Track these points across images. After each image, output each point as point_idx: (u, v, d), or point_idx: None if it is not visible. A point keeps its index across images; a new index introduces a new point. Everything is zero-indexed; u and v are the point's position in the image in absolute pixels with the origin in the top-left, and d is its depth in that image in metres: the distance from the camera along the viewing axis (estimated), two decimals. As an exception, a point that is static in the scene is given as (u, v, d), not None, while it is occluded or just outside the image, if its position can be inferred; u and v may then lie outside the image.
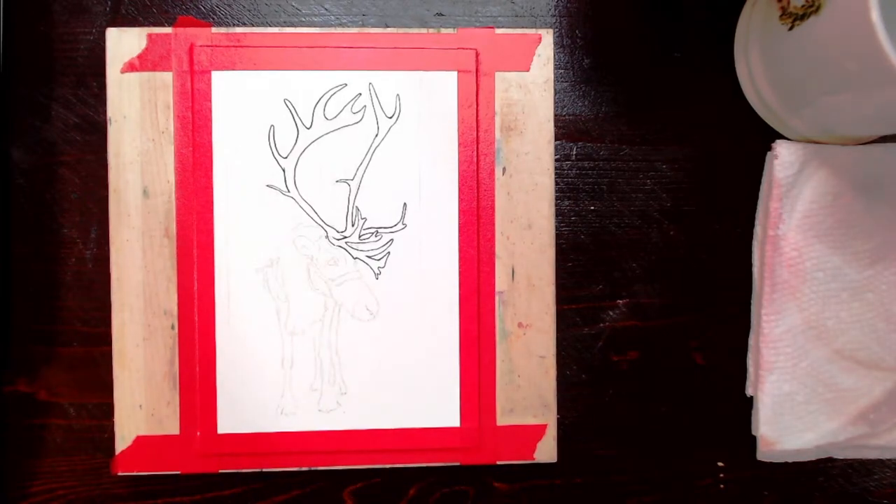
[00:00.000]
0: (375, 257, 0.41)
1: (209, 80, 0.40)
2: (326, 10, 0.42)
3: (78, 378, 0.42)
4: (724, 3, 0.43)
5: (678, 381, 0.44)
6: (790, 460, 0.43)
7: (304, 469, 0.41)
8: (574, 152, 0.43)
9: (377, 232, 0.41)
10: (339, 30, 0.41)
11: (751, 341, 0.43)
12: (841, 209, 0.42)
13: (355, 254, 0.41)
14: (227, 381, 0.40)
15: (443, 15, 0.43)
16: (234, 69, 0.40)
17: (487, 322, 0.41)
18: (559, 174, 0.43)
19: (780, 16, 0.37)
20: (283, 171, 0.40)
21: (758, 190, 0.43)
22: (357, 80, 0.41)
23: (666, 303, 0.44)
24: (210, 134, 0.40)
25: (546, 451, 0.42)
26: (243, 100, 0.40)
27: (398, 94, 0.41)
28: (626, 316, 0.43)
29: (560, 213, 0.43)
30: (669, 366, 0.44)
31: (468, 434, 0.41)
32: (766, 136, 0.43)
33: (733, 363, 0.44)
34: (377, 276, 0.41)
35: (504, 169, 0.41)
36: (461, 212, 0.41)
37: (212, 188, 0.40)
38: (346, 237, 0.41)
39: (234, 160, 0.40)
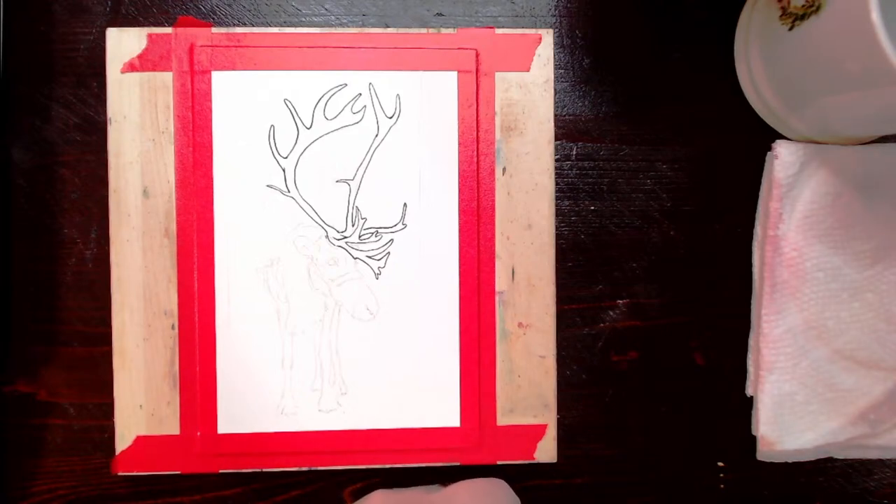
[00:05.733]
0: (375, 257, 0.41)
1: (209, 80, 0.40)
2: (326, 10, 0.42)
3: (78, 378, 0.42)
4: (724, 3, 0.43)
5: (678, 381, 0.44)
6: (790, 460, 0.43)
7: (304, 469, 0.41)
8: (574, 152, 0.43)
9: (377, 232, 0.41)
10: (340, 30, 0.41)
11: (751, 341, 0.43)
12: (841, 209, 0.42)
13: (355, 254, 0.41)
14: (227, 382, 0.40)
15: (443, 15, 0.43)
16: (234, 69, 0.40)
17: (487, 322, 0.41)
18: (559, 174, 0.43)
19: (780, 16, 0.37)
20: (284, 171, 0.40)
21: (758, 190, 0.43)
22: (357, 80, 0.41)
23: (666, 303, 0.44)
24: (210, 134, 0.40)
25: (546, 451, 0.42)
26: (243, 100, 0.40)
27: (398, 94, 0.41)
28: (626, 316, 0.43)
29: (560, 213, 0.43)
30: (669, 366, 0.44)
31: (468, 434, 0.41)
32: (766, 136, 0.43)
33: (733, 363, 0.44)
34: (377, 276, 0.41)
35: (504, 169, 0.41)
36: (461, 212, 0.41)
37: (212, 188, 0.40)
38: (346, 237, 0.41)
39: (234, 160, 0.40)
